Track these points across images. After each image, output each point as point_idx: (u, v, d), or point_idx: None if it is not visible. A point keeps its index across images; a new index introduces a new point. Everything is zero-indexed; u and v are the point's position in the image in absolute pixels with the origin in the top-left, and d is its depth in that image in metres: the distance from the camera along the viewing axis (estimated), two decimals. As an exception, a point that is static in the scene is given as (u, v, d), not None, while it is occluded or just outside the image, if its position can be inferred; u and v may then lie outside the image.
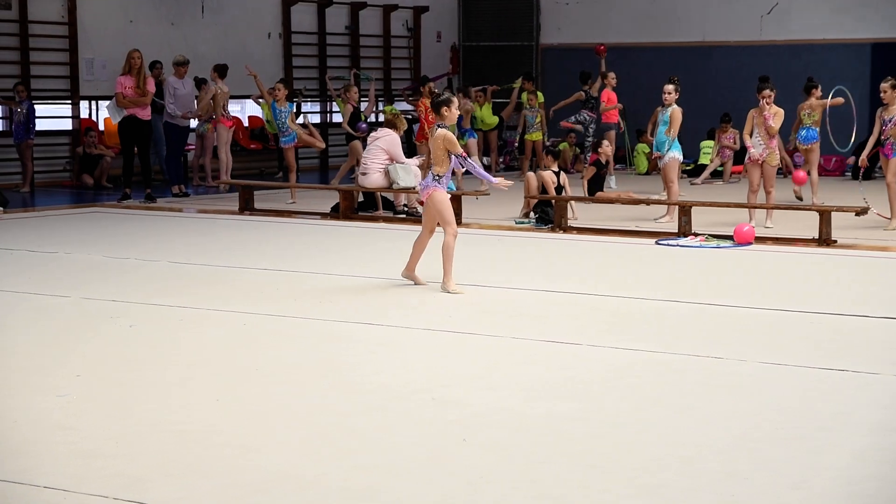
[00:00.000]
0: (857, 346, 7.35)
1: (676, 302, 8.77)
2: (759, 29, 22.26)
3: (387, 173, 14.10)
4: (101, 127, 19.08)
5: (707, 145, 20.06)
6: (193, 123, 18.14)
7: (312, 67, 22.24)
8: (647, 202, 14.09)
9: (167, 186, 17.23)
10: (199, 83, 17.97)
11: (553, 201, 13.31)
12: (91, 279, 9.86)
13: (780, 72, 19.67)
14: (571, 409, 5.91)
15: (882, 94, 13.06)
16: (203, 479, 4.88)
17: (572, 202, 13.79)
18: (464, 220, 13.45)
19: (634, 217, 13.94)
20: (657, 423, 5.67)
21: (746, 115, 13.34)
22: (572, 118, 19.06)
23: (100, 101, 18.96)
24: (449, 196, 9.43)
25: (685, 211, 12.44)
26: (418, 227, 9.68)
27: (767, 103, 13.07)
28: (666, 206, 13.81)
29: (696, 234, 12.14)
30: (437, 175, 9.24)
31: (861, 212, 12.25)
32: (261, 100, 18.55)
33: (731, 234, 11.90)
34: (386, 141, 14.17)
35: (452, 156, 9.23)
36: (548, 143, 18.77)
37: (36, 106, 17.62)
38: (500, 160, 21.26)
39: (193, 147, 18.77)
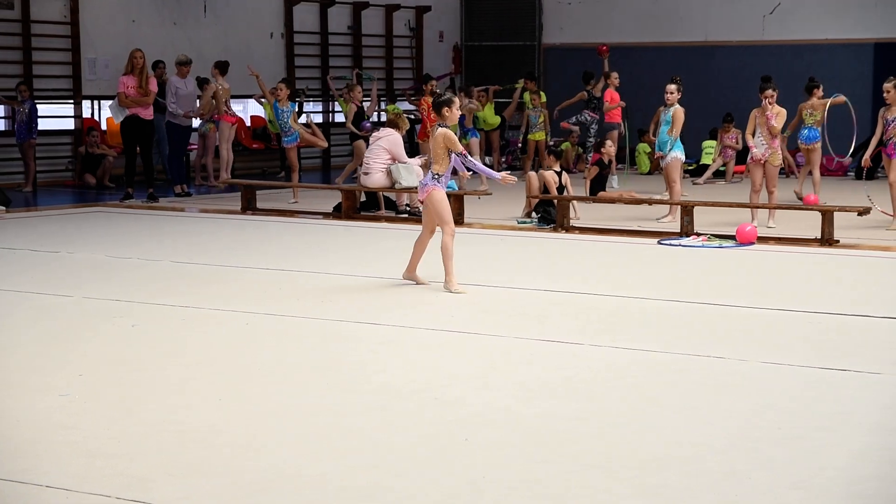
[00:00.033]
0: (859, 346, 7.35)
1: (678, 302, 8.77)
2: (761, 29, 22.26)
3: (389, 173, 14.10)
4: (104, 126, 19.09)
5: (709, 145, 20.06)
6: (196, 123, 18.16)
7: (315, 67, 22.24)
8: (650, 202, 14.09)
9: (169, 186, 17.25)
10: (202, 83, 17.98)
11: (555, 201, 13.31)
12: (93, 279, 9.87)
13: (782, 72, 19.67)
14: (572, 408, 5.91)
15: (885, 94, 13.06)
16: (205, 478, 4.89)
17: (574, 202, 13.79)
18: (466, 220, 13.46)
19: (636, 217, 13.94)
20: (657, 422, 5.67)
21: (748, 115, 13.35)
22: (573, 118, 19.06)
23: (102, 101, 18.98)
24: (449, 195, 9.43)
25: (687, 211, 12.44)
26: (420, 227, 9.68)
27: (770, 103, 13.08)
28: (668, 206, 13.82)
29: (698, 234, 12.15)
30: (437, 174, 9.24)
31: (863, 212, 12.25)
32: (263, 99, 18.58)
33: (734, 233, 11.90)
34: (388, 141, 14.18)
35: (453, 155, 9.23)
36: (550, 143, 18.78)
37: (38, 105, 17.64)
38: (503, 160, 21.26)
39: (196, 147, 18.79)
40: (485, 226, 13.44)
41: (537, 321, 8.08)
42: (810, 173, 15.20)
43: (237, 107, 19.61)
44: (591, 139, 18.62)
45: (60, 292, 9.15)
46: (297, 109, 17.16)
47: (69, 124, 18.96)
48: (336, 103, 21.24)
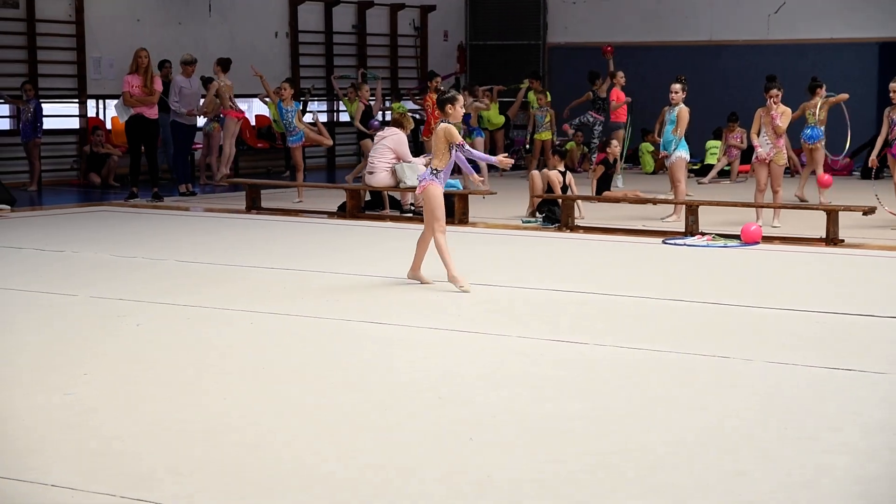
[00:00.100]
0: (865, 345, 7.34)
1: (683, 301, 8.76)
2: (766, 28, 22.23)
3: (393, 172, 14.10)
4: (109, 126, 19.10)
5: (713, 146, 20.03)
6: (201, 122, 18.16)
7: (319, 66, 22.24)
8: (654, 201, 14.08)
9: (174, 185, 17.25)
10: (206, 82, 17.99)
11: (560, 200, 13.31)
12: (98, 278, 9.87)
13: (787, 71, 19.63)
14: (578, 408, 5.90)
15: (891, 94, 13.05)
16: (210, 477, 4.89)
17: (579, 201, 13.78)
18: (470, 220, 13.46)
19: (641, 216, 13.93)
20: (664, 422, 5.66)
21: (753, 115, 13.34)
22: (576, 120, 19.07)
23: (107, 100, 18.99)
24: (454, 195, 9.42)
25: (692, 210, 12.43)
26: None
27: (775, 102, 13.06)
28: (673, 206, 13.80)
29: (703, 234, 12.14)
30: (435, 169, 9.24)
31: (868, 211, 12.24)
32: (267, 99, 18.57)
33: (739, 233, 11.89)
34: (393, 140, 14.18)
35: (454, 151, 9.21)
36: (556, 143, 18.78)
37: (43, 105, 17.65)
38: (507, 159, 21.22)
39: (201, 146, 18.80)
40: (489, 225, 13.43)
41: (542, 321, 8.07)
42: (813, 173, 15.17)
43: (242, 106, 19.62)
44: (595, 140, 18.61)
45: (65, 291, 9.15)
46: (301, 108, 17.14)
47: (74, 123, 18.97)
48: (341, 103, 21.25)
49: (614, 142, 15.91)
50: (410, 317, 8.18)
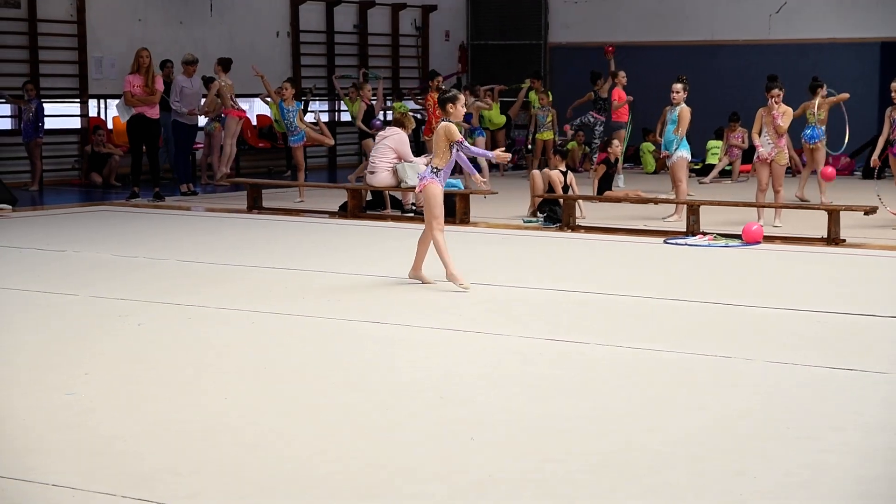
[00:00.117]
0: (866, 345, 7.34)
1: (684, 301, 8.76)
2: (767, 28, 22.23)
3: (395, 172, 14.11)
4: (110, 125, 19.11)
5: (714, 145, 20.02)
6: (202, 122, 18.16)
7: (321, 66, 22.25)
8: (656, 201, 14.08)
9: (175, 185, 17.25)
10: (207, 82, 17.99)
11: (562, 200, 13.30)
12: (99, 277, 9.87)
13: (788, 71, 19.61)
14: (578, 407, 5.90)
15: (893, 94, 13.04)
16: (211, 477, 4.89)
17: (580, 201, 13.78)
18: (472, 219, 13.46)
19: (642, 216, 13.93)
20: (664, 421, 5.66)
21: (755, 114, 13.33)
22: (577, 120, 19.07)
23: (108, 100, 18.99)
24: (455, 194, 9.42)
25: (693, 210, 12.43)
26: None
27: (776, 102, 13.06)
28: (674, 206, 13.80)
29: (704, 234, 12.13)
30: (435, 168, 9.24)
31: (870, 211, 12.23)
32: (268, 99, 18.57)
33: (740, 233, 11.89)
34: (394, 140, 14.19)
35: (454, 149, 9.21)
36: (558, 143, 18.77)
37: (45, 104, 17.64)
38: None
39: (202, 145, 18.80)
40: (490, 225, 13.43)
41: (543, 320, 8.07)
42: (813, 172, 15.17)
43: (243, 106, 19.61)
44: (596, 140, 18.61)
45: (66, 291, 9.15)
46: (302, 108, 17.14)
47: (75, 123, 18.97)
48: (342, 102, 21.24)
49: (615, 141, 15.91)
50: (411, 316, 8.18)
